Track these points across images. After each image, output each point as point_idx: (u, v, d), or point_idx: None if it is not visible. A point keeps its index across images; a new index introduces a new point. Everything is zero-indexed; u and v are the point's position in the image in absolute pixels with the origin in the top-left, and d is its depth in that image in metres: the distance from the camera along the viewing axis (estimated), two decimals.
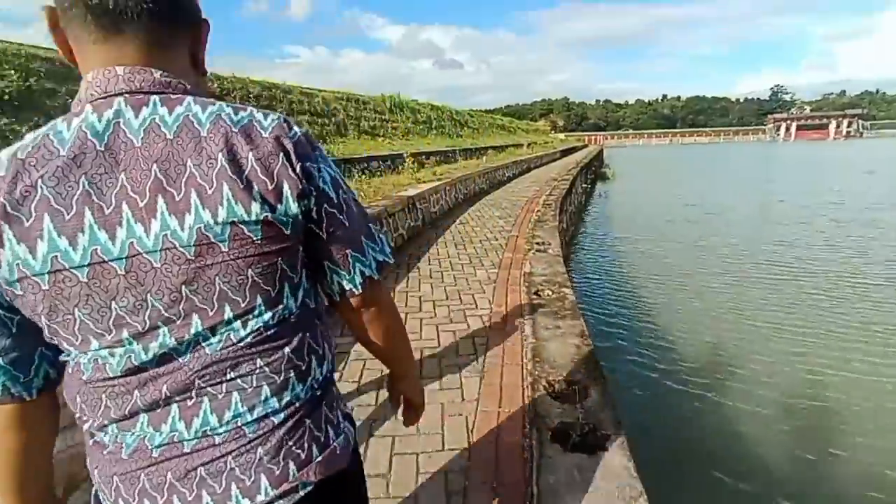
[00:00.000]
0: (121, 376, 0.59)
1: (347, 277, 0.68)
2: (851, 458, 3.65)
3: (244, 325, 0.61)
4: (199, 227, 0.55)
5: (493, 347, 2.91)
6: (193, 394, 0.60)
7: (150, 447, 0.61)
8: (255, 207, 0.57)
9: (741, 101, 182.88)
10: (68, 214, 0.53)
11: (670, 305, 6.96)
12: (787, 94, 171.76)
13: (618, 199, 19.69)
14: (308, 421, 0.67)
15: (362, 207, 0.71)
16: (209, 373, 0.60)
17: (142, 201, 0.55)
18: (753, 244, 10.43)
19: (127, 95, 0.57)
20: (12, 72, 7.13)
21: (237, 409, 0.62)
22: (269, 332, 0.62)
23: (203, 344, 0.60)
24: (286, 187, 0.59)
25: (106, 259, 0.55)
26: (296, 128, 0.63)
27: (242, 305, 0.60)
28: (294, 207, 0.60)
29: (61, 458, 1.54)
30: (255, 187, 0.57)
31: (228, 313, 0.59)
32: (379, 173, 10.41)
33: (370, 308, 0.74)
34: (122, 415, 0.60)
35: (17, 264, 0.53)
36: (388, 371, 0.92)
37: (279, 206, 0.59)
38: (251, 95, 12.77)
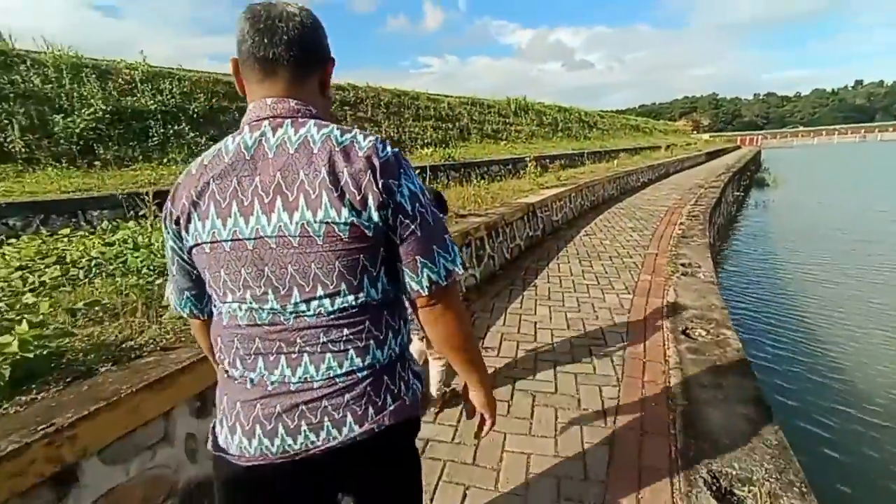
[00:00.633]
0: (247, 325, 0.80)
1: (416, 279, 0.79)
2: None
3: (332, 303, 0.77)
4: (303, 223, 0.73)
5: (626, 404, 2.29)
6: (296, 349, 0.79)
7: (267, 383, 0.80)
8: (345, 212, 0.72)
9: None
10: (224, 203, 0.76)
11: (858, 356, 5.25)
12: None
13: (781, 211, 16.27)
14: (385, 377, 0.83)
15: (439, 221, 0.82)
16: (307, 335, 0.78)
17: (267, 199, 0.74)
18: None
19: (271, 119, 0.78)
20: (202, 96, 8.56)
21: (330, 364, 0.79)
22: (352, 311, 0.78)
23: (301, 312, 0.77)
24: (370, 198, 0.73)
25: (241, 237, 0.75)
26: (388, 149, 0.78)
27: (330, 288, 0.76)
28: (375, 215, 0.74)
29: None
30: (347, 196, 0.73)
31: (320, 291, 0.76)
32: (499, 177, 10.04)
33: (435, 309, 0.83)
34: (247, 355, 0.81)
35: (196, 235, 0.79)
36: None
37: (364, 212, 0.73)
38: (382, 102, 13.49)
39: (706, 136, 52.36)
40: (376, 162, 0.74)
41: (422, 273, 0.78)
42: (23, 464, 1.14)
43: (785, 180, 24.73)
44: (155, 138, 7.14)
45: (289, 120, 0.76)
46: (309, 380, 0.78)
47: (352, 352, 0.79)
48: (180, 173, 0.84)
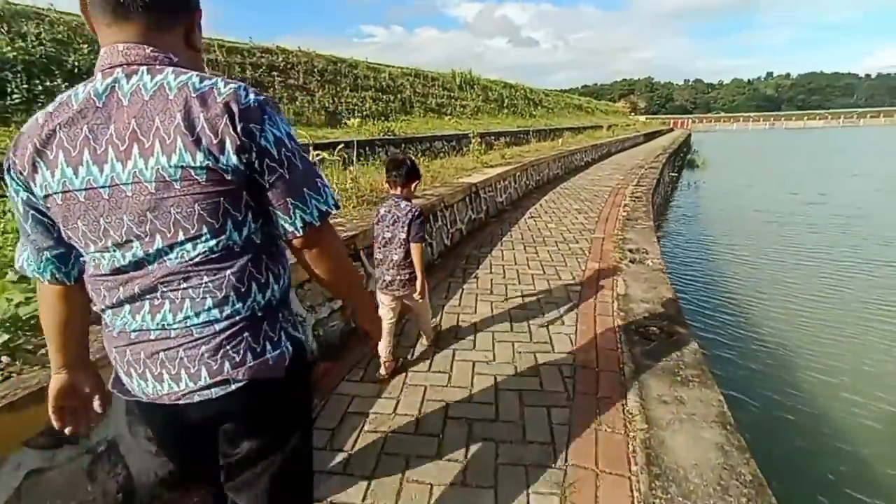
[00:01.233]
0: (109, 274, 0.81)
1: (289, 222, 0.81)
2: None
3: (194, 247, 0.77)
4: (158, 168, 0.72)
5: (579, 427, 1.91)
6: (158, 295, 0.80)
7: (128, 331, 0.83)
8: (200, 156, 0.72)
9: (872, 77, 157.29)
10: (74, 152, 0.74)
11: (791, 341, 5.42)
12: None
13: (710, 192, 17.06)
14: (246, 333, 0.84)
15: (308, 164, 0.83)
16: (168, 280, 0.79)
17: (122, 146, 0.73)
18: None
19: (125, 66, 0.75)
20: (85, 46, 7.21)
21: (187, 313, 0.80)
22: (214, 256, 0.79)
23: (164, 258, 0.78)
24: (228, 142, 0.73)
25: (95, 186, 0.75)
26: (252, 96, 0.77)
27: (192, 232, 0.76)
28: (234, 159, 0.74)
29: None
30: (203, 141, 0.72)
31: (181, 236, 0.76)
32: (443, 154, 9.47)
33: (312, 249, 0.86)
34: (112, 303, 0.82)
35: (44, 185, 0.76)
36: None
37: (221, 157, 0.73)
38: (315, 69, 12.31)
39: (643, 119, 54.24)
40: (235, 108, 0.74)
41: (294, 214, 0.81)
42: None
43: (713, 162, 26.21)
44: (16, 95, 5.75)
45: (144, 67, 0.76)
46: (166, 327, 0.80)
47: (209, 301, 0.80)
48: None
